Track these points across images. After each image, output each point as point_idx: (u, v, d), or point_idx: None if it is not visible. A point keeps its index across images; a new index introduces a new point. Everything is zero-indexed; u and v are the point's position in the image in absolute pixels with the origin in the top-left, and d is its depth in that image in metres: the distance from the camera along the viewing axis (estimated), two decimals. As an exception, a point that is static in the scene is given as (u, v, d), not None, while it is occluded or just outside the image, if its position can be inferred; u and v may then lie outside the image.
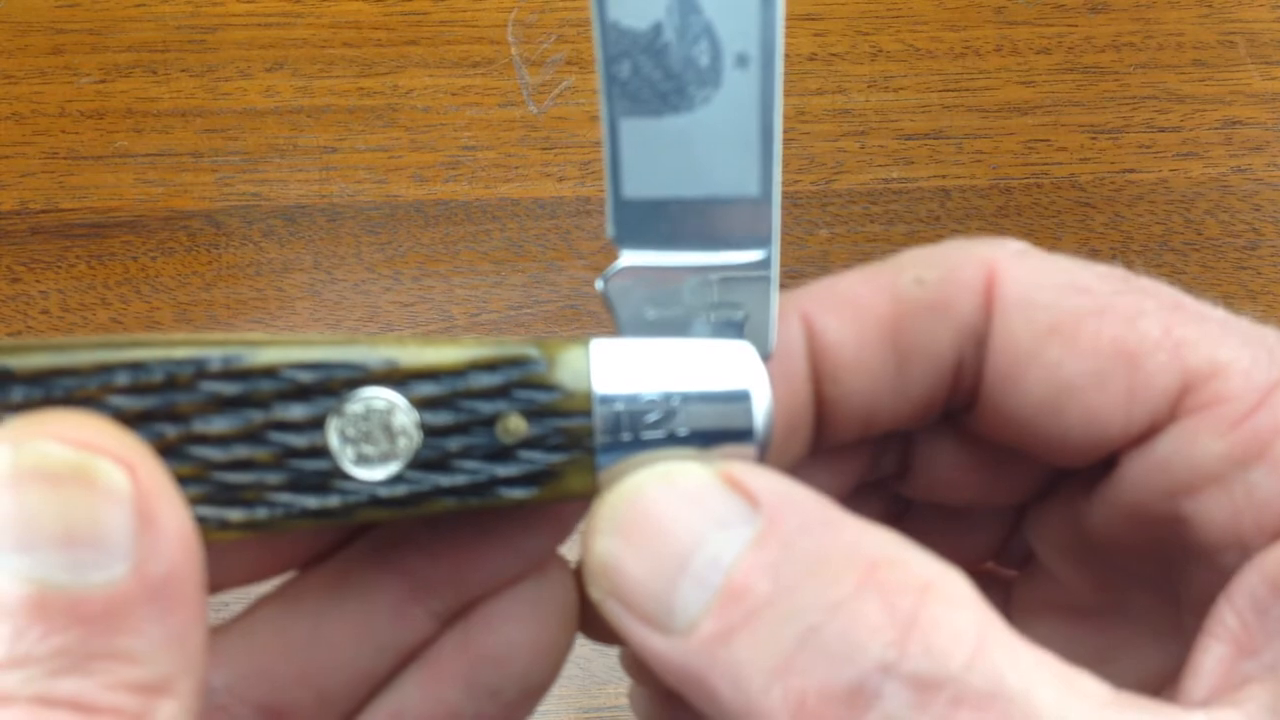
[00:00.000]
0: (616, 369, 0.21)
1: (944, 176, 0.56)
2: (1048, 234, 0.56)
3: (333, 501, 0.21)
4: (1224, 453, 0.21)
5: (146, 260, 0.55)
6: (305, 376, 0.20)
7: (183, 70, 0.57)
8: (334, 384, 0.20)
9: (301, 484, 0.21)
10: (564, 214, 0.56)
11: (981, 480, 0.27)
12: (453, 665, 0.24)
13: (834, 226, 0.56)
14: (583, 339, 0.21)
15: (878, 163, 0.56)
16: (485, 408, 0.21)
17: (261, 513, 0.21)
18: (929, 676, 0.18)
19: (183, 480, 0.20)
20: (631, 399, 0.21)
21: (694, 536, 0.20)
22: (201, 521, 0.20)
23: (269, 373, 0.20)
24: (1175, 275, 0.56)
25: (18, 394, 0.20)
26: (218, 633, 0.24)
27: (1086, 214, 0.56)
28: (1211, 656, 0.21)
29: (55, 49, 0.57)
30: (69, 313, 0.55)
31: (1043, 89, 0.57)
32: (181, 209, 0.56)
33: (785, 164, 0.56)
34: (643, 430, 0.21)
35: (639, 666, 0.28)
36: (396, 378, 0.21)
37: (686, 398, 0.21)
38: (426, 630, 0.24)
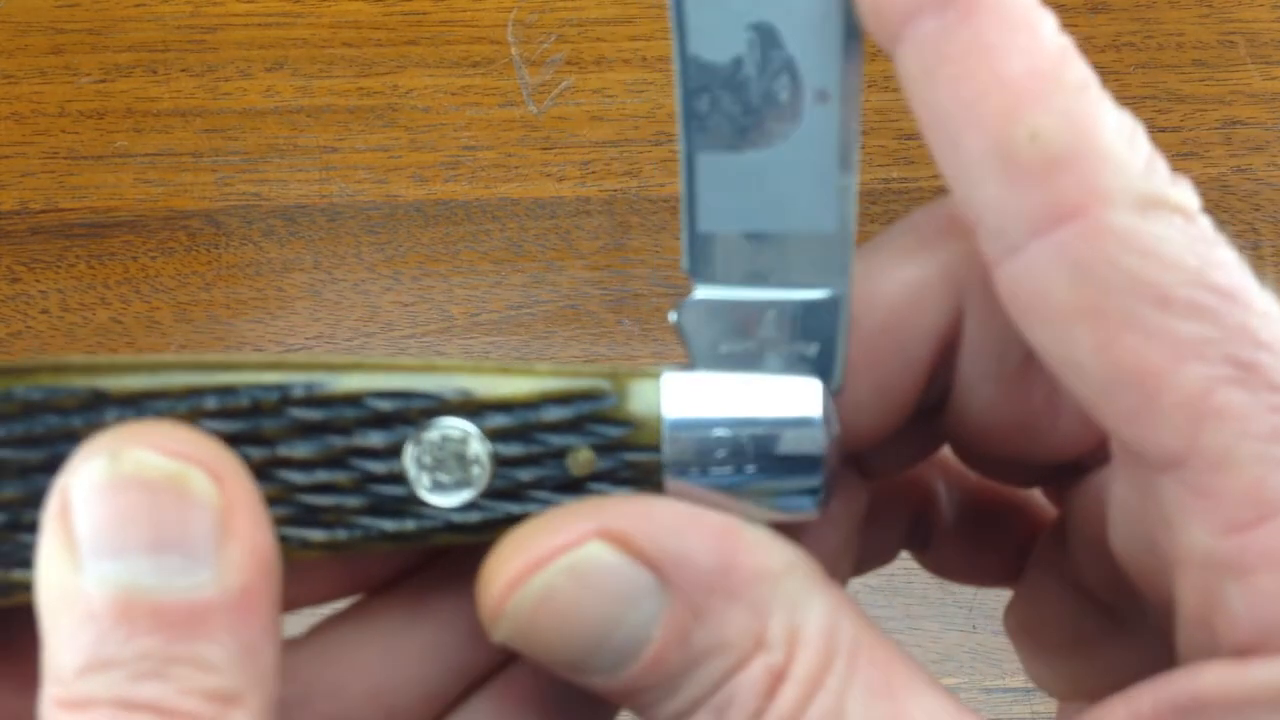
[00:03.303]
0: (686, 403, 0.21)
1: (944, 177, 0.56)
2: (1048, 234, 0.56)
3: (409, 525, 0.21)
4: (1209, 550, 0.20)
5: (146, 260, 0.55)
6: (385, 405, 0.21)
7: (183, 70, 0.57)
8: (412, 413, 0.21)
9: (380, 508, 0.21)
10: (564, 214, 0.56)
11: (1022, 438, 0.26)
12: (525, 689, 0.24)
13: (834, 226, 0.56)
14: (654, 371, 0.22)
15: (878, 163, 0.56)
16: (556, 440, 0.21)
17: (341, 534, 0.21)
18: None
19: (267, 501, 0.21)
20: (700, 434, 0.21)
21: (607, 624, 0.21)
22: (284, 541, 0.21)
23: (350, 400, 0.21)
24: (1175, 275, 0.56)
25: (112, 415, 0.21)
26: (291, 646, 0.24)
27: (1086, 214, 0.56)
28: None
29: (55, 49, 0.57)
30: (69, 313, 0.55)
31: (1043, 89, 0.57)
32: (181, 209, 0.56)
33: (785, 164, 0.56)
34: (710, 465, 0.21)
35: None
36: (471, 408, 0.21)
37: (755, 433, 0.21)
38: (501, 655, 0.24)
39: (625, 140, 0.56)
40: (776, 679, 0.20)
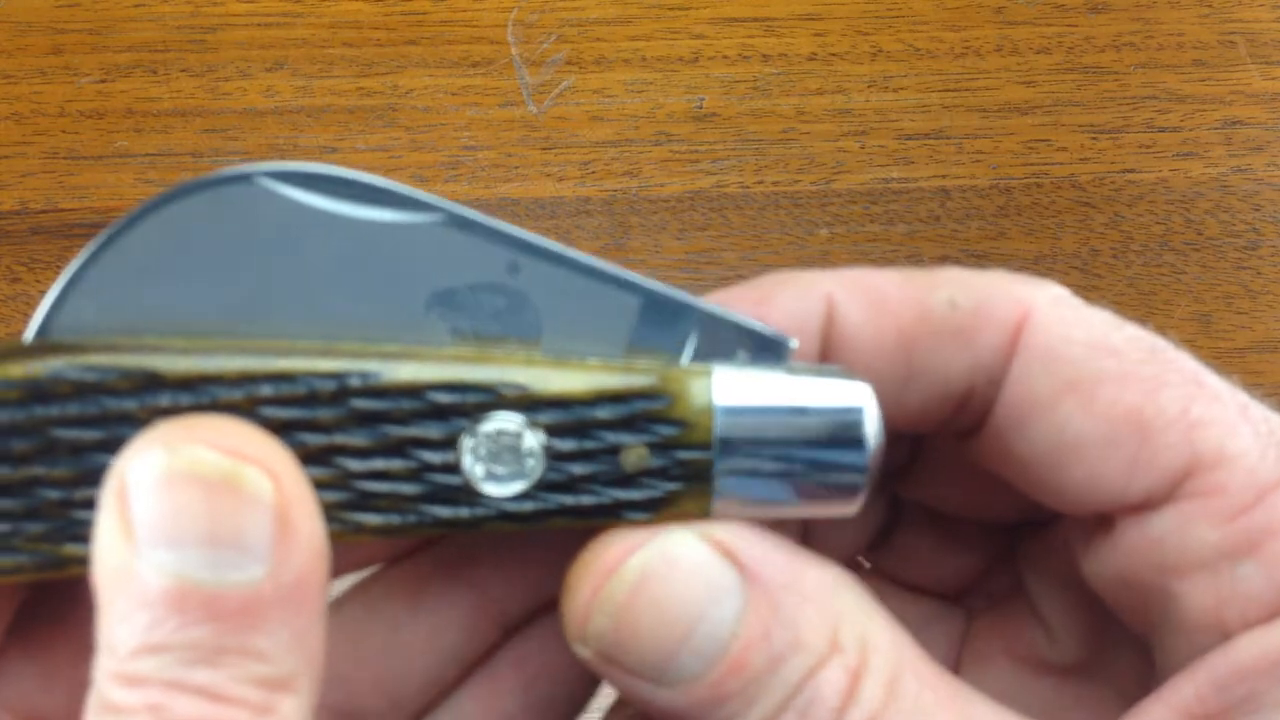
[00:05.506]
0: (738, 401, 0.22)
1: (944, 176, 0.56)
2: (1048, 234, 0.56)
3: (463, 513, 0.22)
4: (1217, 543, 0.22)
5: (146, 260, 0.55)
6: (442, 398, 0.21)
7: (183, 70, 0.57)
8: (468, 406, 0.21)
9: (435, 496, 0.22)
10: (564, 214, 0.56)
11: (986, 488, 0.27)
12: (511, 677, 0.25)
13: (834, 226, 0.56)
14: (706, 369, 0.22)
15: (878, 163, 0.56)
16: (610, 437, 0.22)
17: (395, 520, 0.22)
18: None
19: (323, 486, 0.21)
20: (751, 429, 0.22)
21: (694, 614, 0.21)
22: (340, 524, 0.21)
23: (407, 392, 0.21)
24: (1175, 275, 0.56)
25: (165, 399, 0.21)
26: None
27: (1086, 214, 0.56)
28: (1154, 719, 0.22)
29: (55, 49, 0.57)
30: (69, 313, 0.55)
31: (1043, 89, 0.57)
32: (181, 209, 0.56)
33: (785, 164, 0.56)
34: (760, 456, 0.22)
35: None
36: (526, 403, 0.22)
37: (803, 423, 0.22)
38: (492, 640, 0.25)
39: (625, 140, 0.56)
40: (855, 678, 0.21)
